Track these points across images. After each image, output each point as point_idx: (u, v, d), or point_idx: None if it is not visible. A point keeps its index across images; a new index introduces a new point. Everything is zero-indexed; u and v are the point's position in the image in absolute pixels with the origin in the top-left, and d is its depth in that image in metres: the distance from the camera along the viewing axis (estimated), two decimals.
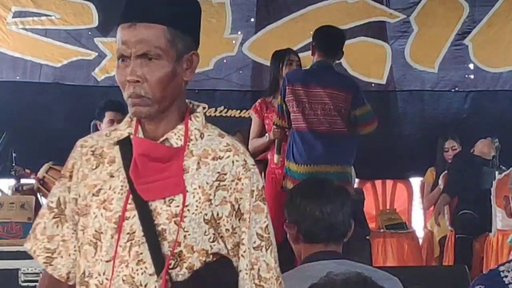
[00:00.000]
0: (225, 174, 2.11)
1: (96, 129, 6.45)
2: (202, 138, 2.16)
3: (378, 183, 7.95)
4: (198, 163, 2.11)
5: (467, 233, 6.61)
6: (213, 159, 2.12)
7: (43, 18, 7.64)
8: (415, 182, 7.99)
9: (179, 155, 2.10)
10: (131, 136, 2.15)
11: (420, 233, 7.68)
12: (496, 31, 7.96)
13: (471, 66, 8.04)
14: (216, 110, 7.82)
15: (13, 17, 7.62)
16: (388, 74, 8.03)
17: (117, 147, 2.16)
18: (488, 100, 7.94)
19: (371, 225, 7.32)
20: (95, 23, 7.72)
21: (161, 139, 2.12)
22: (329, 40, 5.83)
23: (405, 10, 7.97)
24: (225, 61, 7.88)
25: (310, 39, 7.90)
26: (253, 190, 2.13)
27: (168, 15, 2.11)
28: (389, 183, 7.97)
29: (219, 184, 2.11)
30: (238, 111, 7.85)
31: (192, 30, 2.17)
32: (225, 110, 7.87)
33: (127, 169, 2.11)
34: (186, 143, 2.12)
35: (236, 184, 2.12)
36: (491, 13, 7.95)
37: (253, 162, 2.18)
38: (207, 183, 2.10)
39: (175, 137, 2.12)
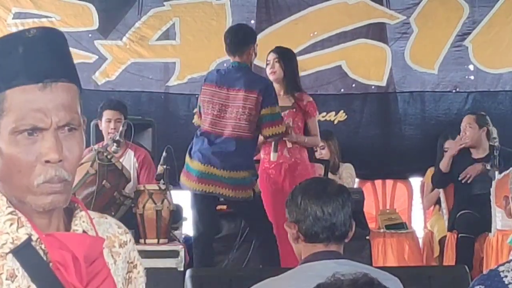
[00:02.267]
0: (132, 262, 1.79)
1: (97, 127, 6.47)
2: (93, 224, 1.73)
3: (378, 183, 7.96)
4: (112, 255, 1.73)
5: (470, 232, 6.61)
6: (120, 246, 1.76)
7: (43, 19, 7.64)
8: (415, 182, 7.99)
9: (101, 251, 1.68)
10: (34, 237, 1.60)
11: (420, 233, 7.69)
12: (496, 32, 7.97)
13: (471, 67, 8.05)
14: None
15: (13, 19, 7.62)
16: (388, 76, 8.04)
17: (10, 257, 1.58)
18: (489, 101, 7.95)
19: (371, 225, 7.32)
20: (96, 25, 7.72)
21: (77, 233, 1.67)
22: (231, 38, 5.86)
23: (405, 11, 7.97)
24: (225, 64, 7.88)
25: (311, 41, 7.96)
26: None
27: (75, 71, 1.65)
28: (389, 183, 7.98)
29: (129, 277, 1.78)
30: None
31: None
32: None
33: (38, 281, 1.60)
34: (97, 234, 1.69)
35: (132, 272, 1.79)
36: (491, 14, 7.96)
37: None
38: (124, 278, 1.76)
39: (89, 228, 1.68)
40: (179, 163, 5.93)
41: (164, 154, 5.79)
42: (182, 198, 6.89)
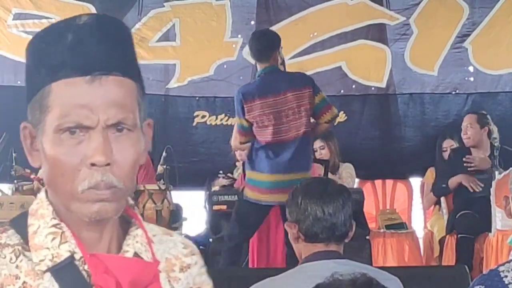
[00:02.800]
0: None
1: None
2: (153, 242, 1.51)
3: (378, 183, 7.96)
4: (169, 281, 1.51)
5: (469, 233, 6.60)
6: (181, 270, 1.53)
7: (44, 20, 7.63)
8: (415, 182, 7.98)
9: (156, 276, 1.47)
10: (77, 255, 1.41)
11: (420, 233, 7.68)
12: (496, 33, 7.96)
13: (471, 68, 8.04)
14: (217, 119, 7.81)
15: (13, 19, 7.62)
16: (388, 77, 8.04)
17: (47, 276, 1.40)
18: (488, 102, 7.93)
19: (371, 225, 7.32)
20: None
21: (127, 255, 1.46)
22: (256, 46, 5.78)
23: (404, 11, 7.96)
24: (225, 66, 7.87)
25: (311, 42, 7.96)
26: None
27: (134, 65, 1.49)
28: (389, 183, 7.98)
29: None
30: None
31: (144, 87, 1.51)
32: (226, 118, 7.84)
33: None
34: (154, 256, 1.48)
35: None
36: (491, 14, 7.95)
37: None
38: None
39: (143, 249, 1.47)
40: (179, 165, 5.92)
41: (164, 154, 5.80)
42: (182, 198, 6.90)
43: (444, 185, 6.89)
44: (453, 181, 6.81)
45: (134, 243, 1.46)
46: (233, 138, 6.05)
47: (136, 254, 1.45)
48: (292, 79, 5.77)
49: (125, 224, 1.49)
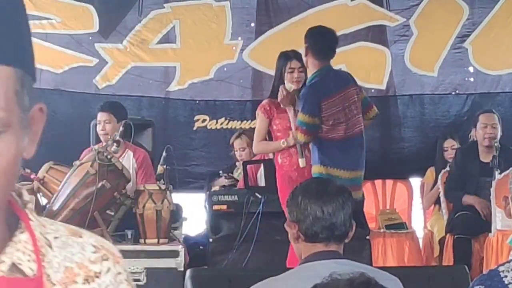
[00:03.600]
0: None
1: (95, 128, 6.48)
2: (50, 247, 1.22)
3: (378, 183, 7.96)
4: None
5: (466, 233, 6.61)
6: (86, 281, 1.23)
7: (44, 21, 7.64)
8: (415, 182, 7.99)
9: None
10: None
11: (420, 233, 7.68)
12: (496, 33, 7.97)
13: (471, 69, 8.05)
14: (217, 122, 7.81)
15: None
16: (388, 79, 8.04)
17: None
18: (488, 103, 7.94)
19: (371, 225, 7.32)
20: (96, 27, 7.71)
21: (2, 266, 1.16)
22: (323, 43, 5.76)
23: (404, 12, 7.96)
24: (225, 69, 7.86)
25: None
26: None
27: (15, 46, 1.15)
28: (389, 183, 7.99)
29: None
30: (239, 122, 7.83)
31: (33, 66, 1.20)
32: (226, 121, 7.84)
33: None
34: (40, 265, 1.19)
35: None
36: (490, 15, 7.95)
37: None
38: None
39: (25, 259, 1.19)
40: (180, 168, 5.91)
41: (164, 154, 5.80)
42: (182, 198, 6.90)
43: (456, 193, 6.86)
44: (467, 201, 6.78)
45: (15, 251, 1.18)
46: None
47: (14, 265, 1.17)
48: (345, 77, 5.91)
49: (15, 227, 1.21)
